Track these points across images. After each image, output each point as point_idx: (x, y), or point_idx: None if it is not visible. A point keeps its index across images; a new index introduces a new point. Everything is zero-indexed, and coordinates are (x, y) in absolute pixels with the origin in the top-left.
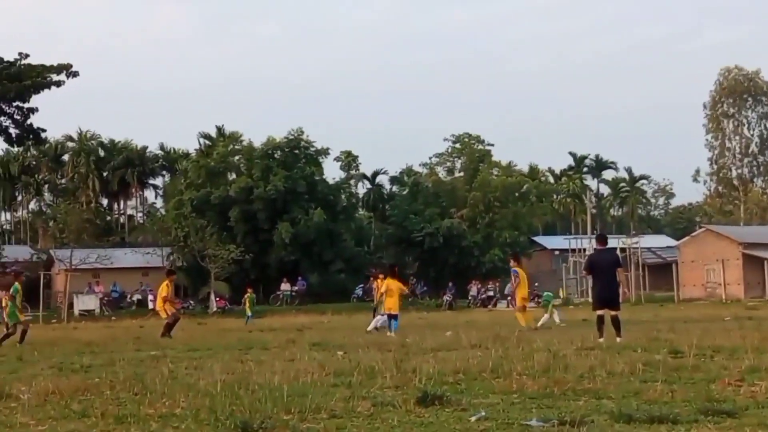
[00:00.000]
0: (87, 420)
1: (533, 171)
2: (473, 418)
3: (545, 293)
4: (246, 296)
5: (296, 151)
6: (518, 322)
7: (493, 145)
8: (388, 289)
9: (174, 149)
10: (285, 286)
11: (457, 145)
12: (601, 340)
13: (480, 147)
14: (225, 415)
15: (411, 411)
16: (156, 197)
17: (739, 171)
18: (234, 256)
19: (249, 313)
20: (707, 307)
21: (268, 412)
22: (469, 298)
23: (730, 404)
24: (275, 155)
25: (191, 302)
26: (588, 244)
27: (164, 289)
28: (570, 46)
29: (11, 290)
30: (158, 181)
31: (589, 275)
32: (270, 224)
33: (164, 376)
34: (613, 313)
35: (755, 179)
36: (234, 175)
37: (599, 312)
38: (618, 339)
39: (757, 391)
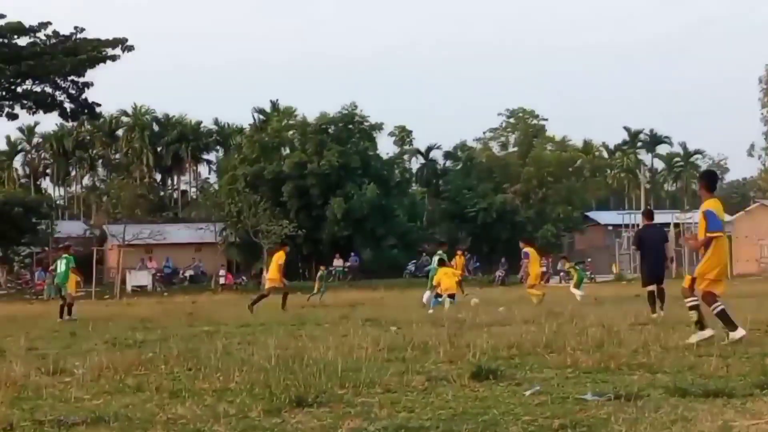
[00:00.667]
0: (141, 394)
1: (587, 146)
2: (528, 393)
3: (579, 269)
4: (320, 273)
5: (350, 126)
6: (532, 298)
7: (547, 119)
8: (445, 274)
9: (228, 124)
10: (338, 262)
11: (512, 120)
12: (654, 315)
13: (534, 122)
14: (279, 389)
15: (465, 385)
16: (209, 172)
17: None
18: (287, 231)
19: (323, 287)
20: (761, 282)
21: (322, 386)
22: (522, 273)
23: None
24: (329, 130)
25: (244, 278)
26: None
27: (282, 258)
28: (626, 22)
29: (62, 261)
30: (212, 156)
31: (637, 251)
32: (323, 200)
33: (218, 351)
34: (659, 286)
35: None
36: (288, 150)
37: (650, 288)
38: (661, 312)
39: None
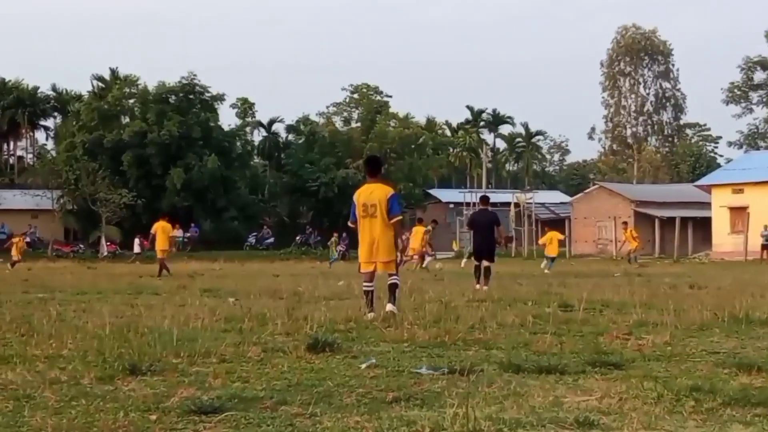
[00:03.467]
0: None
1: (430, 123)
2: (363, 365)
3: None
4: (332, 240)
5: (191, 96)
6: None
7: (391, 96)
8: (550, 241)
9: (66, 90)
10: (177, 232)
11: (355, 96)
12: (478, 286)
13: (378, 98)
14: (113, 357)
15: (301, 357)
16: (47, 139)
17: (634, 129)
18: (126, 200)
19: (334, 255)
20: (598, 263)
21: (156, 355)
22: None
23: (617, 356)
24: (170, 100)
25: (81, 246)
26: None
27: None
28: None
29: None
30: (50, 123)
31: (470, 231)
32: (163, 169)
33: (52, 318)
34: (486, 264)
35: (649, 138)
36: (128, 119)
37: (477, 263)
38: (485, 287)
39: (643, 345)
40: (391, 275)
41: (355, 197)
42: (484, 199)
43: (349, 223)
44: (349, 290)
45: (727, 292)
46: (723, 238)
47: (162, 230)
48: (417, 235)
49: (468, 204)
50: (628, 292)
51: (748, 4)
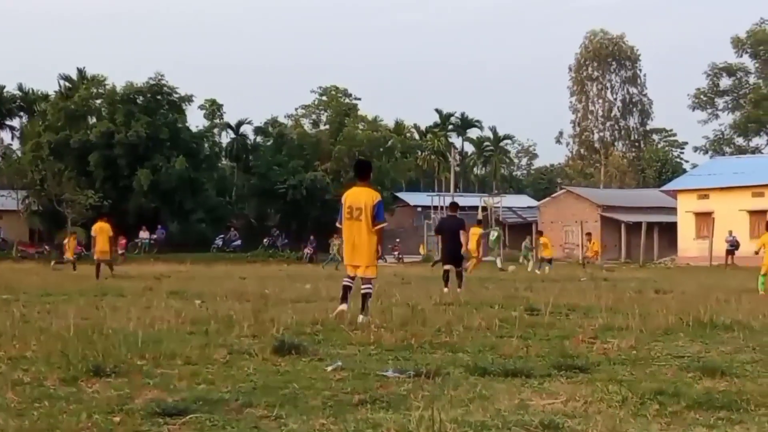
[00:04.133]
0: None
1: (399, 127)
2: (329, 368)
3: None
4: (337, 243)
5: (158, 97)
6: None
7: (360, 99)
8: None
9: (33, 90)
10: (144, 234)
11: (324, 98)
12: (446, 290)
13: (347, 100)
14: (77, 358)
15: (267, 359)
16: (12, 139)
17: (601, 134)
18: (92, 201)
19: (338, 258)
20: (565, 267)
21: (121, 357)
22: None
23: (583, 360)
24: (137, 100)
25: (47, 247)
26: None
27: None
28: (440, 3)
29: None
30: (15, 123)
31: (437, 236)
32: (130, 170)
33: (16, 319)
34: (457, 269)
35: (616, 143)
36: (95, 120)
37: (446, 267)
38: (459, 290)
39: (609, 348)
40: (365, 283)
41: (343, 199)
42: (453, 206)
43: (337, 224)
44: (315, 293)
45: (692, 296)
46: (688, 244)
47: (101, 231)
48: (474, 237)
49: (436, 208)
50: (594, 297)
51: (715, 12)
